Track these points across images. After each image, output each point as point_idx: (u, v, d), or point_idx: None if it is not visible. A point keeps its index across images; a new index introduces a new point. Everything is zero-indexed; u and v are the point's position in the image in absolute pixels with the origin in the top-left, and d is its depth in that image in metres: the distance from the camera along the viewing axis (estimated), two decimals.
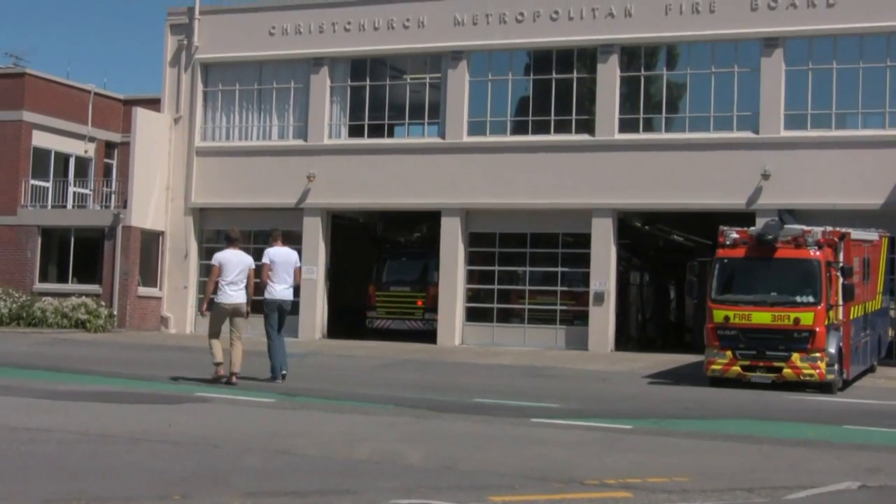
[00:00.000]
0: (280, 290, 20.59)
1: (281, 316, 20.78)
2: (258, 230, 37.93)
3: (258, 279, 20.78)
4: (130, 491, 9.85)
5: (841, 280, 23.44)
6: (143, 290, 37.47)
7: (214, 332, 20.24)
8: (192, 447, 12.41)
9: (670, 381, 24.71)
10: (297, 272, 21.14)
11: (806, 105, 31.81)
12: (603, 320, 33.01)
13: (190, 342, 32.75)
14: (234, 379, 19.85)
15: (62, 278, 38.68)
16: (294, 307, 35.47)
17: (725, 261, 23.67)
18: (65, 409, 15.57)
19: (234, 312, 20.10)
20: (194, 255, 37.97)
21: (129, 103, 42.38)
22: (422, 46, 35.50)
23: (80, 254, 38.48)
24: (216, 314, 20.31)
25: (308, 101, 36.85)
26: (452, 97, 35.02)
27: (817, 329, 22.48)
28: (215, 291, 20.08)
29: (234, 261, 20.11)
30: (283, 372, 20.56)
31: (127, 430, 13.51)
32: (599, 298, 32.96)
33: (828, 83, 31.68)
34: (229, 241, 20.66)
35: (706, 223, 32.71)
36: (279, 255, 20.73)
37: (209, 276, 20.77)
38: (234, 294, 20.00)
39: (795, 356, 22.49)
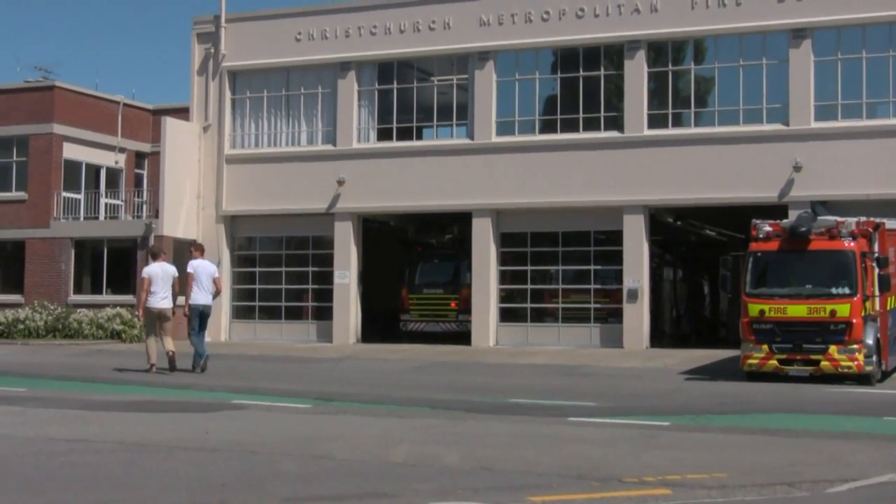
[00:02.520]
0: (200, 297, 23.90)
1: (202, 318, 24.06)
2: (289, 236, 38.18)
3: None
4: (169, 499, 9.87)
5: (876, 270, 23.29)
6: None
7: (150, 333, 23.73)
8: (229, 454, 12.43)
9: (706, 376, 24.59)
10: (217, 281, 24.44)
11: (836, 95, 31.59)
12: (637, 317, 32.90)
13: (224, 350, 32.84)
14: (172, 355, 23.39)
15: (96, 289, 38.90)
16: (327, 312, 36.13)
17: (759, 254, 23.55)
18: (101, 420, 15.65)
19: (160, 315, 23.45)
20: (227, 263, 38.05)
21: (158, 113, 42.56)
22: (448, 48, 35.49)
23: (113, 264, 38.69)
24: (149, 318, 23.61)
25: (336, 105, 36.89)
26: (480, 98, 35.00)
27: (854, 320, 22.32)
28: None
29: (160, 273, 23.59)
30: (203, 367, 23.83)
31: (164, 439, 13.55)
32: (633, 295, 32.85)
33: (857, 73, 31.45)
34: (154, 256, 24.25)
35: (738, 217, 32.60)
36: (200, 267, 24.03)
37: (140, 287, 24.14)
38: (162, 300, 23.44)
39: (832, 348, 22.34)
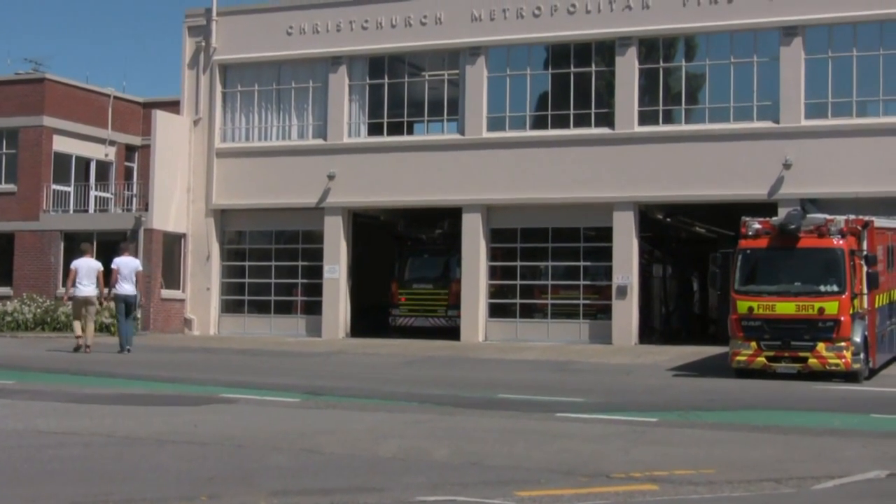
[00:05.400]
0: (124, 287, 27.52)
1: (127, 306, 27.68)
2: (279, 230, 38.17)
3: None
4: (158, 492, 9.88)
5: (865, 268, 23.35)
6: (166, 293, 37.58)
7: (77, 316, 27.76)
8: (219, 447, 12.44)
9: (695, 373, 24.65)
10: (139, 275, 28.27)
11: (826, 93, 31.66)
12: (626, 314, 32.95)
13: (214, 343, 32.89)
14: (88, 350, 27.08)
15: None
16: (317, 307, 36.13)
17: (748, 251, 23.60)
18: (91, 413, 15.64)
19: (86, 302, 27.34)
20: (216, 257, 38.06)
21: (149, 106, 42.44)
22: (439, 43, 35.49)
23: (102, 258, 38.46)
24: (75, 304, 27.58)
25: (327, 100, 36.87)
26: (471, 93, 35.00)
27: (842, 318, 22.38)
28: (74, 286, 27.40)
29: (86, 266, 27.47)
30: (128, 347, 27.40)
31: (153, 432, 13.55)
32: (622, 292, 32.89)
33: (848, 71, 31.52)
34: (82, 253, 28.34)
35: (728, 214, 32.62)
36: (124, 263, 27.78)
37: (68, 277, 27.99)
38: (86, 289, 27.26)
39: (821, 346, 22.40)
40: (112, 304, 29.71)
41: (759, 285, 23.29)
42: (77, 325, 27.78)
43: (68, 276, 28.04)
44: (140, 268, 28.60)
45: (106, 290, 28.08)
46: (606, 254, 33.50)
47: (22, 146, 39.86)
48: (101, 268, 27.87)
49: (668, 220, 37.59)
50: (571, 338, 33.57)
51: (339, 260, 36.12)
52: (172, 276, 38.00)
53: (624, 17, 33.29)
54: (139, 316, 36.41)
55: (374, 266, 38.48)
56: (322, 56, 36.86)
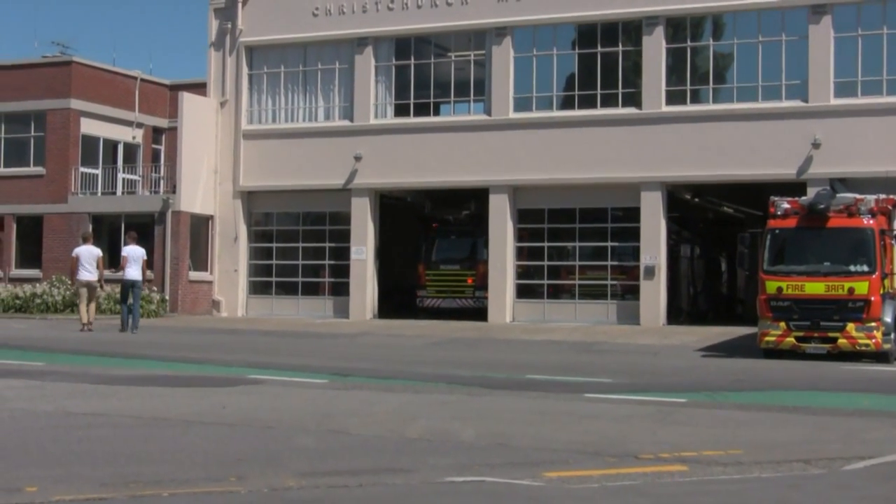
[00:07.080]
0: (129, 273, 29.44)
1: (133, 290, 29.59)
2: (306, 211, 38.18)
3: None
4: (186, 473, 9.89)
5: (895, 248, 23.19)
6: (193, 275, 37.69)
7: (81, 300, 29.53)
8: (246, 429, 12.45)
9: (723, 353, 24.55)
10: (144, 262, 30.09)
11: (856, 72, 31.40)
12: (654, 294, 32.85)
13: (241, 325, 32.96)
14: (91, 328, 29.12)
15: (114, 264, 38.57)
16: (344, 288, 36.18)
17: (777, 231, 23.48)
18: (119, 394, 15.69)
19: (88, 286, 29.35)
20: (244, 239, 38.13)
21: (175, 88, 42.55)
22: (465, 24, 35.38)
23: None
24: (78, 287, 29.73)
25: (353, 81, 36.84)
26: (497, 74, 34.89)
27: (872, 298, 22.26)
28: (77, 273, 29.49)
29: (86, 253, 29.34)
30: (135, 329, 29.11)
31: (181, 413, 13.58)
32: (650, 272, 32.78)
33: (878, 49, 31.25)
34: (84, 240, 30.18)
35: (756, 194, 32.48)
36: (130, 251, 29.64)
37: (71, 263, 30.26)
38: (87, 274, 29.20)
39: (850, 326, 22.29)
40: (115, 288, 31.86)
41: (787, 265, 23.19)
42: (83, 309, 29.38)
43: (71, 262, 30.05)
44: (145, 256, 30.39)
45: (113, 273, 31.13)
46: (634, 234, 33.40)
47: (49, 129, 40.06)
48: (101, 254, 29.87)
49: (696, 200, 37.44)
50: (599, 318, 33.49)
51: (366, 241, 36.13)
52: (200, 258, 38.11)
53: None
54: (166, 298, 36.71)
55: (401, 247, 38.50)
56: (348, 37, 36.81)
